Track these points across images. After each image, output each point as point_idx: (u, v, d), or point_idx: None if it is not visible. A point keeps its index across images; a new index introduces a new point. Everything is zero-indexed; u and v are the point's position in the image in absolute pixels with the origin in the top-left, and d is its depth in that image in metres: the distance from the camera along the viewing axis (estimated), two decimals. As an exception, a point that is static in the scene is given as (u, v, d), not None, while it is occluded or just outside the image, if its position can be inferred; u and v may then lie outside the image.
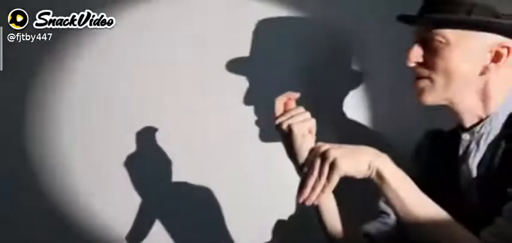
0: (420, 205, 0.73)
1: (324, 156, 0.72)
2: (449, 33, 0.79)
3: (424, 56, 0.83)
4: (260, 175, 1.26)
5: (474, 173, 0.82)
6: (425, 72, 0.83)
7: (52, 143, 1.22)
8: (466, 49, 0.79)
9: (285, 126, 0.86)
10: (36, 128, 1.21)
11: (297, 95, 0.91)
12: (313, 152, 0.75)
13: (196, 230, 1.27)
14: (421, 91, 0.84)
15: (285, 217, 1.26)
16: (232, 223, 1.27)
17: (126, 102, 1.23)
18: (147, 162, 1.23)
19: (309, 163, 0.74)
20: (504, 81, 0.81)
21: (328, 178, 0.71)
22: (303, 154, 0.81)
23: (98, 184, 1.23)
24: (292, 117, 0.87)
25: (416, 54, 0.83)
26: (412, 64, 0.84)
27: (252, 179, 1.26)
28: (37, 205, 1.22)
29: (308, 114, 0.88)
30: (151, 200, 1.25)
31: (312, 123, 0.88)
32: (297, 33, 1.24)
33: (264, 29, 1.23)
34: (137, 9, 1.23)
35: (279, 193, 1.25)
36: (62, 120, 1.22)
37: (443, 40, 0.79)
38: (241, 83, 1.24)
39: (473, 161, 0.83)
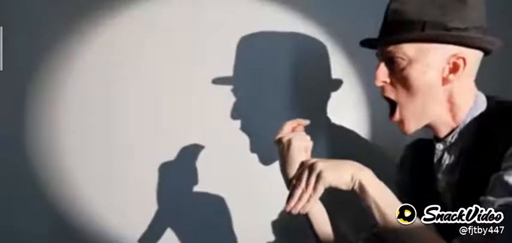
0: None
1: (310, 168, 0.79)
2: (408, 50, 0.83)
3: (389, 75, 0.87)
4: (259, 176, 1.26)
5: (448, 180, 0.86)
6: (391, 92, 0.87)
7: (52, 143, 1.24)
8: (425, 63, 0.83)
9: (285, 140, 0.90)
10: (36, 128, 1.23)
11: (307, 122, 0.96)
12: (302, 165, 0.83)
13: (196, 230, 1.28)
14: (400, 125, 0.88)
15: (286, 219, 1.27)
16: (234, 224, 1.28)
17: (126, 102, 1.24)
18: (147, 162, 1.25)
19: (298, 175, 0.82)
20: (468, 90, 0.86)
21: (314, 189, 0.78)
22: (295, 168, 0.87)
23: (97, 184, 1.25)
24: (293, 134, 0.91)
25: (383, 73, 0.87)
26: (380, 84, 0.87)
27: (251, 181, 1.27)
28: (36, 204, 1.23)
29: (309, 137, 0.92)
30: (150, 200, 1.26)
31: (309, 144, 0.92)
32: (293, 36, 1.25)
33: (264, 30, 1.24)
34: (137, 9, 1.24)
35: (281, 195, 1.26)
36: (61, 120, 1.23)
37: (404, 57, 0.83)
38: (241, 83, 1.25)
39: (447, 170, 0.87)
